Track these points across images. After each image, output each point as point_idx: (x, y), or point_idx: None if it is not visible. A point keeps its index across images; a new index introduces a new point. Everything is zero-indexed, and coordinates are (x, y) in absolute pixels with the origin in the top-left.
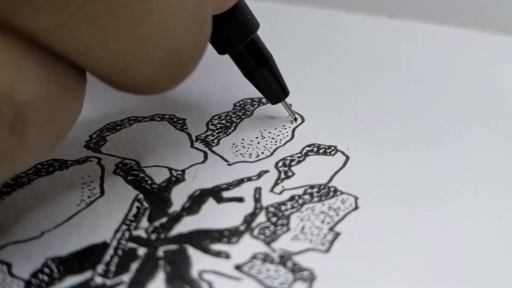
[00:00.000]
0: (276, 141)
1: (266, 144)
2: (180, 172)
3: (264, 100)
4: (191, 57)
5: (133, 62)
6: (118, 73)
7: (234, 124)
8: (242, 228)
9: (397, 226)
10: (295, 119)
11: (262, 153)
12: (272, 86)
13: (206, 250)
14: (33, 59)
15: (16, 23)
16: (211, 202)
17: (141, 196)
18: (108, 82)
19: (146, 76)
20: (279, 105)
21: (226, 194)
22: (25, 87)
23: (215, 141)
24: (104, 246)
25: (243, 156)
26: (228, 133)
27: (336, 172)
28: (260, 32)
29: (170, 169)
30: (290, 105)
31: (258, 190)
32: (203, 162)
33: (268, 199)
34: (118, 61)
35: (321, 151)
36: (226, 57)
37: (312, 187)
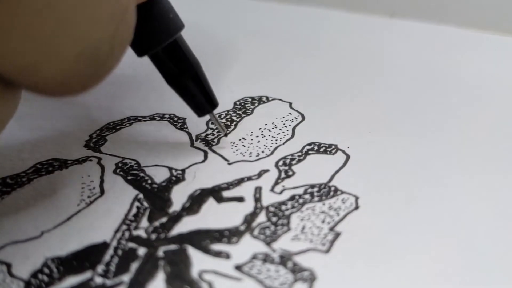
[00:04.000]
0: (276, 140)
1: (267, 143)
2: (180, 172)
3: (264, 98)
4: (110, 52)
5: (39, 61)
6: (24, 74)
7: (235, 123)
8: (242, 228)
9: (397, 225)
10: (226, 135)
11: (263, 152)
12: (198, 97)
13: (206, 250)
14: None
15: None
16: (211, 201)
17: (141, 195)
18: (20, 85)
19: (59, 76)
20: (280, 103)
21: (226, 193)
22: None
23: (215, 140)
24: (104, 246)
25: (243, 155)
26: (228, 132)
27: (337, 171)
28: (261, 32)
29: (170, 169)
30: (225, 117)
31: (258, 190)
32: (203, 161)
33: (268, 198)
34: (21, 61)
35: (322, 150)
36: (227, 55)
37: (312, 186)
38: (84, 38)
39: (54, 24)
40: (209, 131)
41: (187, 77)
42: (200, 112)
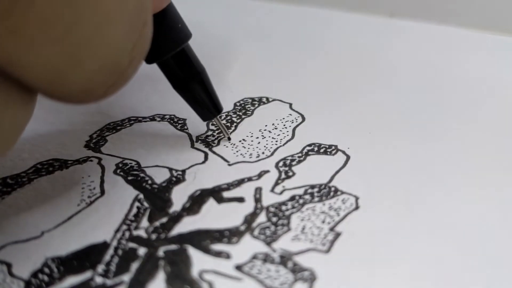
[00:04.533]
0: (276, 141)
1: (267, 144)
2: (180, 172)
3: (264, 99)
4: (130, 63)
5: (66, 71)
6: (50, 83)
7: (235, 124)
8: (242, 228)
9: (397, 226)
10: (229, 139)
11: (263, 153)
12: (203, 102)
13: (207, 250)
14: None
15: None
16: (211, 202)
17: (141, 196)
18: (42, 92)
19: (82, 85)
20: (280, 104)
21: (226, 194)
22: None
23: (216, 141)
24: (104, 246)
25: (244, 156)
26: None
27: (337, 172)
28: (261, 32)
29: (171, 169)
30: (228, 121)
31: (258, 190)
32: (203, 162)
33: (268, 199)
34: (50, 70)
35: (322, 150)
36: (227, 55)
37: (312, 187)
38: (107, 50)
39: (81, 36)
40: (210, 132)
41: (193, 83)
42: (205, 117)
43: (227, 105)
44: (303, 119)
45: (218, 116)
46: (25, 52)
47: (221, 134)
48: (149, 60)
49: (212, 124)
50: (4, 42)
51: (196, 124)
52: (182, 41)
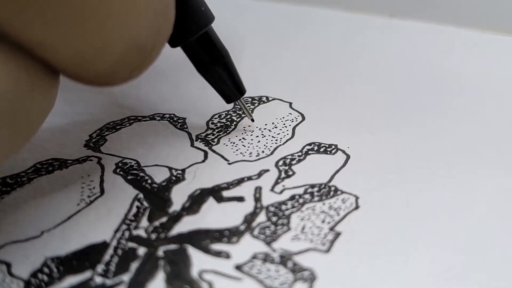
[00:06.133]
0: (276, 140)
1: (267, 143)
2: (180, 172)
3: (264, 98)
4: (154, 46)
5: (94, 53)
6: (78, 64)
7: (235, 123)
8: (242, 227)
9: (397, 225)
10: (252, 120)
11: (263, 152)
12: (227, 84)
13: (206, 250)
14: None
15: None
16: (211, 201)
17: (141, 195)
18: (69, 74)
19: (108, 67)
20: (280, 103)
21: (226, 193)
22: None
23: (215, 140)
24: (104, 245)
25: (243, 155)
26: (228, 132)
27: (337, 171)
28: (261, 32)
29: (170, 169)
30: (251, 104)
31: (258, 190)
32: (203, 161)
33: (268, 198)
34: (79, 51)
35: (322, 149)
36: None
37: (312, 186)
38: (134, 31)
39: (108, 18)
40: (209, 131)
41: (217, 65)
42: (229, 99)
43: (227, 104)
44: (303, 118)
45: (241, 98)
46: (55, 34)
47: (221, 133)
48: (173, 44)
49: (212, 124)
50: (37, 23)
51: (196, 123)
52: (205, 24)
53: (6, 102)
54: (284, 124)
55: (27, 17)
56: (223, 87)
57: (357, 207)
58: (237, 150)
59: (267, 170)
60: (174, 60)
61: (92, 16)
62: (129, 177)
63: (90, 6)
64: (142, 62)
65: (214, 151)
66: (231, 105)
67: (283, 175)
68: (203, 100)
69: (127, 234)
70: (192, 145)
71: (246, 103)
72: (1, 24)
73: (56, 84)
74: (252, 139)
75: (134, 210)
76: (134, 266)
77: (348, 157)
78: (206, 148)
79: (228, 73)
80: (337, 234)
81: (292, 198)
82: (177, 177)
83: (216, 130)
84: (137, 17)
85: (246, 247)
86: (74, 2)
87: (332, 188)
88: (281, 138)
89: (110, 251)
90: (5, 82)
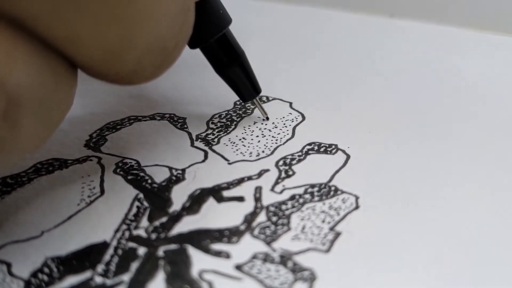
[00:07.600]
0: (276, 140)
1: (267, 142)
2: (180, 171)
3: (264, 98)
4: (176, 46)
5: (119, 51)
6: (103, 62)
7: (235, 122)
8: (242, 227)
9: (397, 225)
10: (267, 118)
11: (263, 151)
12: (243, 83)
13: (206, 250)
14: (25, 46)
15: (5, 9)
16: (211, 201)
17: (141, 195)
18: (93, 72)
19: (132, 65)
20: (280, 103)
21: (226, 193)
22: (17, 75)
23: (216, 140)
24: (104, 245)
25: (244, 155)
26: (228, 131)
27: (337, 171)
28: (261, 32)
29: (170, 168)
30: (263, 102)
31: (258, 190)
32: (203, 161)
33: (268, 198)
34: (105, 48)
35: (322, 149)
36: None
37: (312, 186)
38: (158, 30)
39: (136, 16)
40: (209, 131)
41: (235, 65)
42: (246, 98)
43: (227, 104)
44: (303, 118)
45: (257, 97)
46: (86, 30)
47: (221, 132)
48: (193, 45)
49: (212, 123)
50: (68, 19)
51: (196, 123)
52: (224, 26)
53: (34, 97)
54: (284, 124)
55: (62, 14)
56: (240, 86)
57: (357, 207)
58: (237, 150)
59: (267, 170)
60: None
61: (122, 12)
62: (129, 177)
63: (120, 3)
64: (164, 62)
65: (214, 151)
66: (231, 105)
67: (283, 175)
68: (203, 100)
69: (127, 234)
70: (192, 145)
71: (246, 103)
72: (30, 19)
73: (75, 82)
74: (252, 139)
75: (134, 210)
76: (134, 266)
77: (348, 157)
78: (206, 148)
79: (245, 72)
80: (337, 234)
81: (292, 198)
82: (177, 177)
83: (216, 130)
84: (162, 16)
85: (246, 247)
86: (107, 0)
87: (332, 188)
88: (281, 138)
89: (110, 251)
90: (33, 77)
